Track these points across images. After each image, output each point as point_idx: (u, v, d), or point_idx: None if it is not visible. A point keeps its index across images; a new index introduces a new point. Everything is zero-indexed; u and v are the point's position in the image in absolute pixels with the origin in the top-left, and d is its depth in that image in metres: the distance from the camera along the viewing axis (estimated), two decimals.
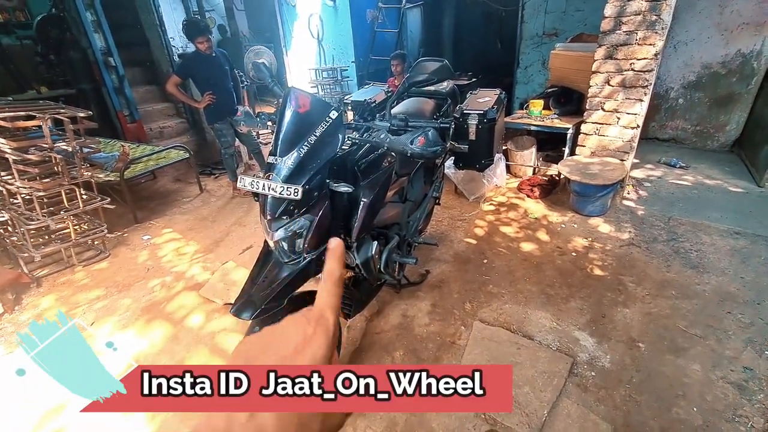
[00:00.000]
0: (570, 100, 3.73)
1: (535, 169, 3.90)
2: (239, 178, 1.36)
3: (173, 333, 2.29)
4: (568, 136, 3.49)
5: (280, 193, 1.26)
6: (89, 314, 2.46)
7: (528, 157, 3.83)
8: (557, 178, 3.59)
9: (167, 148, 4.14)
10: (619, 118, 3.04)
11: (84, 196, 2.81)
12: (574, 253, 2.80)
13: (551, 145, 4.09)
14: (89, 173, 2.79)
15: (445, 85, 2.59)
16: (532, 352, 2.01)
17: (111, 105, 5.36)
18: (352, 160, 1.60)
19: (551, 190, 3.57)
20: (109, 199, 2.94)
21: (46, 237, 2.93)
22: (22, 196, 2.55)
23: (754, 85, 3.98)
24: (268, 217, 1.35)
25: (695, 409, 1.68)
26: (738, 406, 1.67)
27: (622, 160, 3.12)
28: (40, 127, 2.44)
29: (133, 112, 5.57)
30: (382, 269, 1.74)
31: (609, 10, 2.81)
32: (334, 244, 0.42)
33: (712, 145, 4.37)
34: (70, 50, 5.11)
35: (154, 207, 4.00)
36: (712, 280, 2.43)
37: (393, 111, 2.15)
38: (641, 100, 2.90)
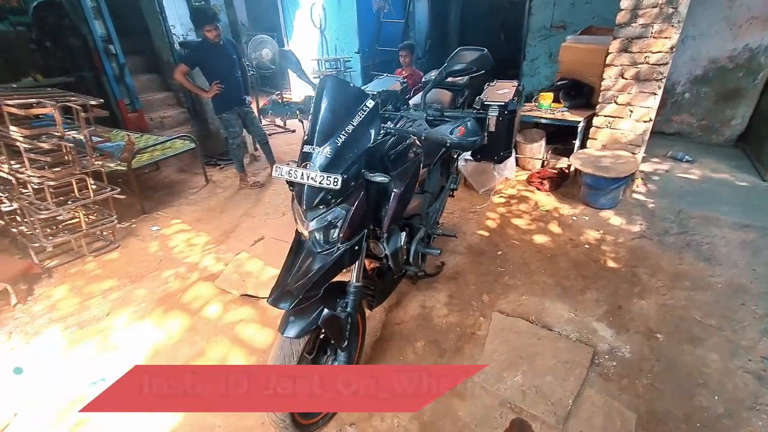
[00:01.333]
0: (580, 93, 3.73)
1: (544, 161, 3.91)
2: (275, 166, 1.34)
3: (191, 324, 2.28)
4: (579, 129, 3.50)
5: (319, 183, 1.25)
6: (104, 305, 2.43)
7: (537, 150, 3.84)
8: (567, 170, 3.60)
9: (172, 138, 4.08)
10: (632, 112, 3.05)
11: (93, 186, 2.77)
12: (587, 246, 2.82)
13: (559, 137, 4.10)
14: (100, 162, 2.74)
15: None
16: (552, 342, 2.03)
17: (111, 94, 5.27)
18: (382, 151, 1.58)
19: (561, 183, 3.59)
20: (119, 189, 2.90)
21: (55, 227, 2.89)
22: (33, 185, 2.50)
23: (761, 80, 4.01)
24: (304, 207, 1.34)
25: (716, 397, 1.71)
26: (759, 395, 1.71)
27: (634, 154, 3.14)
28: (48, 115, 2.39)
29: (134, 101, 5.48)
30: (410, 260, 1.74)
31: (625, 2, 2.81)
32: None
33: (717, 139, 4.41)
34: (69, 37, 4.99)
35: (160, 198, 3.96)
36: (725, 272, 2.47)
37: (412, 101, 2.14)
38: (655, 94, 2.91)
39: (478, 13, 6.23)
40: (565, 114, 3.62)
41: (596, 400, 1.73)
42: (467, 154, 2.70)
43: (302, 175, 1.27)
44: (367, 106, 1.37)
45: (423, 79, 2.61)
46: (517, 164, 3.99)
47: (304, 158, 1.33)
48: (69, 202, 2.77)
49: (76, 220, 2.81)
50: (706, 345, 1.98)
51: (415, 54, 4.51)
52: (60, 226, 2.87)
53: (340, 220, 1.37)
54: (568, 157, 3.72)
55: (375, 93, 1.78)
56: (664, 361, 1.91)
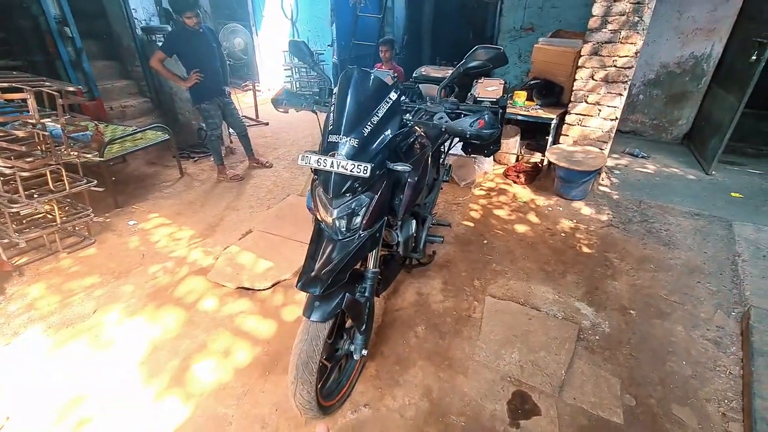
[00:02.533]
0: (551, 92, 3.99)
1: (518, 156, 4.14)
2: (302, 155, 1.37)
3: (188, 317, 2.23)
4: (552, 125, 3.75)
5: (350, 171, 1.30)
6: (88, 302, 2.31)
7: (513, 145, 4.06)
8: (540, 165, 3.85)
9: (144, 129, 3.89)
10: (600, 111, 3.32)
11: (68, 178, 2.61)
12: (563, 234, 3.05)
13: (531, 134, 4.35)
14: (76, 153, 2.58)
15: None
16: (542, 321, 2.21)
17: (67, 80, 4.89)
18: (395, 142, 1.65)
19: (535, 177, 3.82)
20: (96, 181, 2.74)
21: (23, 222, 2.68)
22: (4, 176, 2.31)
23: (704, 85, 4.48)
24: (331, 195, 1.38)
25: (684, 362, 1.95)
26: (717, 358, 1.97)
27: (602, 149, 3.42)
28: (23, 101, 2.23)
29: (92, 89, 5.11)
30: (418, 247, 1.82)
31: (597, 9, 3.04)
32: None
33: (667, 137, 4.88)
34: (19, 18, 4.57)
35: (132, 191, 3.76)
36: (682, 255, 2.78)
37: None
38: (621, 95, 3.19)
39: (450, 11, 6.41)
40: (539, 111, 3.85)
41: (585, 370, 1.91)
42: (456, 149, 2.82)
43: (332, 163, 1.32)
44: (390, 98, 1.43)
45: (414, 75, 2.69)
46: (494, 159, 4.19)
47: (331, 147, 1.37)
48: (36, 196, 2.58)
49: (47, 214, 2.63)
50: (671, 318, 2.24)
51: (395, 50, 4.58)
52: (29, 221, 2.67)
53: (363, 208, 1.43)
54: (541, 152, 3.97)
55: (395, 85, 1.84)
56: (638, 333, 2.14)
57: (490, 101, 2.38)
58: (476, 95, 2.43)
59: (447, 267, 2.68)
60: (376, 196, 1.43)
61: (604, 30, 3.08)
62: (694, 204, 3.39)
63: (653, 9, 3.00)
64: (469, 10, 6.57)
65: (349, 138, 1.35)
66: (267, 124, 5.97)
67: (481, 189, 3.75)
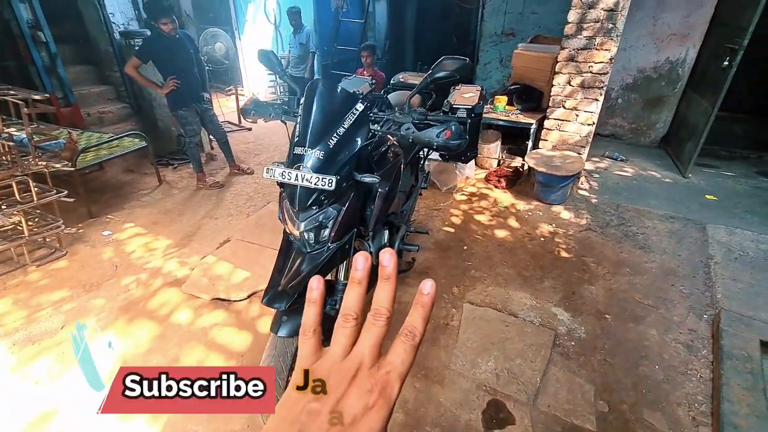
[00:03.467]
0: (531, 97, 4.03)
1: (499, 161, 4.17)
2: (267, 168, 1.35)
3: (160, 331, 2.18)
4: (532, 130, 3.78)
5: (315, 184, 1.28)
6: (57, 317, 2.25)
7: (494, 150, 4.08)
8: (521, 169, 3.88)
9: (121, 136, 3.81)
10: (577, 116, 3.36)
11: (36, 189, 2.53)
12: (542, 238, 3.07)
13: (512, 138, 4.39)
14: (43, 163, 2.51)
15: None
16: (518, 328, 2.21)
17: (41, 86, 4.77)
18: (366, 152, 1.64)
19: (516, 181, 3.85)
20: (66, 192, 2.67)
21: None
22: None
23: (679, 89, 4.58)
24: (297, 208, 1.36)
25: (657, 366, 1.98)
26: (688, 362, 2.00)
27: (580, 154, 3.46)
28: None
29: (68, 95, 5.00)
30: None
31: (572, 16, 3.08)
32: (428, 292, 0.34)
33: (645, 141, 4.96)
34: None
35: (108, 200, 3.68)
36: (657, 258, 2.82)
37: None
38: (597, 100, 3.24)
39: (433, 16, 6.44)
40: (519, 116, 3.89)
41: (560, 377, 1.92)
42: (435, 154, 2.83)
43: (297, 176, 1.30)
44: (357, 109, 1.42)
45: (392, 82, 2.68)
46: (476, 163, 4.21)
47: (297, 160, 1.35)
48: (3, 207, 2.50)
49: (13, 227, 2.55)
50: (646, 322, 2.26)
51: (377, 55, 4.58)
52: None
53: (330, 220, 1.41)
54: (522, 156, 4.00)
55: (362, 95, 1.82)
56: (613, 338, 2.16)
57: (466, 108, 2.39)
58: (452, 102, 2.43)
59: (426, 274, 2.67)
60: (344, 208, 1.41)
61: (579, 36, 3.12)
62: (670, 207, 3.45)
63: (626, 16, 3.06)
64: (453, 15, 6.61)
65: (314, 150, 1.34)
66: (250, 129, 5.91)
67: (462, 194, 3.76)
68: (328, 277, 1.55)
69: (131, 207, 3.58)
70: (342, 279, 1.55)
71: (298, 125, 1.41)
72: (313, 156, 1.33)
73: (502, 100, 4.04)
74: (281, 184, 1.41)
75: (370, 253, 1.73)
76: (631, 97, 4.87)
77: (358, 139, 1.42)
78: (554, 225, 3.24)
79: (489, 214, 3.42)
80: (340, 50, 5.79)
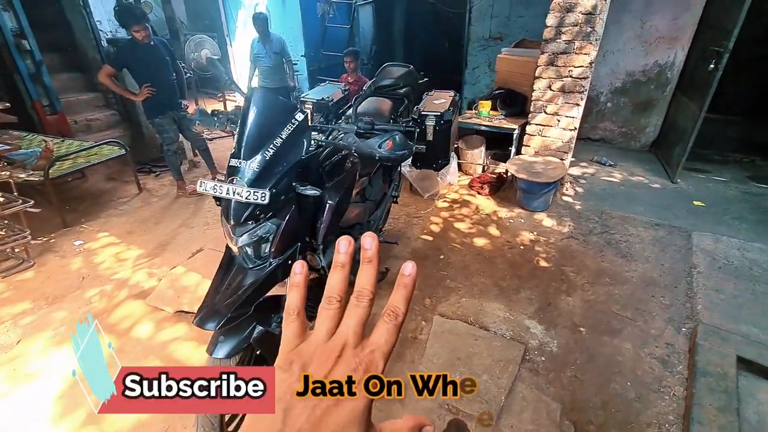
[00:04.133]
0: (515, 102, 3.96)
1: (484, 166, 4.10)
2: (199, 181, 1.29)
3: (118, 346, 2.12)
4: (515, 136, 3.71)
5: (246, 198, 1.22)
6: (13, 332, 2.19)
7: (478, 156, 4.02)
8: (505, 175, 3.80)
9: (99, 144, 3.78)
10: (559, 121, 3.29)
11: (1, 199, 2.49)
12: (522, 247, 2.99)
13: (498, 143, 4.31)
14: (7, 173, 2.47)
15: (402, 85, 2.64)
16: (488, 342, 2.13)
17: (27, 94, 4.76)
18: (317, 162, 1.58)
19: (499, 187, 3.78)
20: (32, 202, 2.63)
21: None
22: None
23: (669, 92, 4.50)
24: (232, 223, 1.30)
25: (629, 383, 1.89)
26: (662, 378, 1.91)
27: (562, 159, 3.39)
28: None
29: (54, 103, 4.99)
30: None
31: (551, 20, 3.02)
32: (409, 273, 0.35)
33: (635, 145, 4.88)
34: None
35: (86, 209, 3.64)
36: (639, 267, 2.73)
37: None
38: (578, 105, 3.17)
39: (423, 21, 6.40)
40: (502, 122, 3.82)
41: (526, 395, 1.84)
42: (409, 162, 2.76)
43: (228, 190, 1.24)
44: (296, 119, 1.36)
45: (375, 77, 2.63)
46: (460, 169, 4.14)
47: (231, 172, 1.30)
48: None
49: None
50: (621, 335, 2.18)
51: (360, 60, 4.54)
52: None
53: (270, 234, 1.35)
54: (506, 162, 3.92)
55: (314, 100, 1.76)
56: (586, 353, 2.08)
57: (435, 115, 2.33)
58: (421, 109, 2.37)
59: None
60: (283, 223, 1.35)
61: (558, 40, 3.05)
62: (656, 213, 3.36)
63: (612, 19, 2.99)
64: (443, 19, 6.56)
65: (249, 162, 1.28)
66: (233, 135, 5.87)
67: (444, 201, 3.69)
68: (274, 291, 1.49)
69: (108, 216, 3.54)
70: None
71: (235, 136, 1.35)
72: (247, 168, 1.27)
73: (486, 105, 3.98)
74: (217, 198, 1.35)
75: (321, 267, 1.67)
76: (621, 100, 4.79)
77: (298, 150, 1.36)
78: (535, 233, 3.16)
79: (470, 222, 3.34)
80: (327, 56, 5.75)
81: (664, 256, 2.85)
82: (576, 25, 2.94)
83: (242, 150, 1.29)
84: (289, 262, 1.42)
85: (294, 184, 1.37)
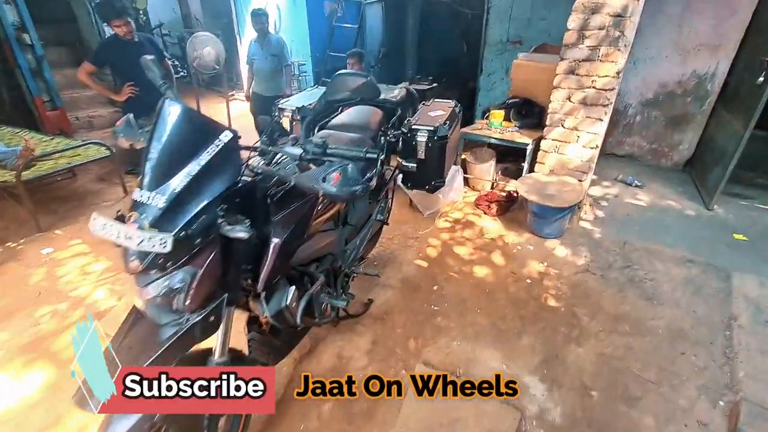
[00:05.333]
0: (531, 113, 3.58)
1: (493, 183, 3.73)
2: (93, 216, 1.01)
3: (56, 379, 1.88)
4: (528, 151, 3.33)
5: (139, 245, 0.93)
6: None
7: (487, 171, 3.65)
8: (515, 194, 3.42)
9: (85, 144, 3.60)
10: (579, 137, 2.90)
11: None
12: (528, 280, 2.62)
13: (512, 157, 3.93)
14: None
15: (396, 93, 2.32)
16: (476, 404, 1.78)
17: (27, 89, 4.68)
18: (263, 189, 1.28)
19: (509, 207, 3.40)
20: None
21: None
22: None
23: (708, 107, 4.01)
24: (129, 272, 1.01)
25: None
26: None
27: (581, 180, 2.99)
28: None
29: (54, 98, 4.91)
30: (299, 320, 1.42)
31: (572, 22, 2.64)
32: None
33: (666, 163, 4.40)
34: None
35: (66, 212, 3.46)
36: (666, 314, 2.32)
37: (333, 122, 1.84)
38: (602, 119, 2.77)
39: (439, 22, 6.05)
40: (515, 134, 3.45)
41: None
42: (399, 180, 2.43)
43: (119, 233, 0.95)
44: (221, 140, 1.06)
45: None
46: (466, 184, 3.79)
47: (134, 207, 1.01)
48: None
49: None
50: (641, 405, 1.79)
51: (366, 62, 4.24)
52: None
53: (185, 284, 1.05)
54: (517, 180, 3.54)
55: (293, 108, 1.46)
56: (596, 426, 1.71)
57: (427, 130, 2.00)
58: (413, 122, 2.04)
59: (382, 320, 2.28)
60: (200, 271, 1.05)
61: (581, 46, 2.67)
62: (688, 247, 2.92)
63: (644, 23, 2.59)
64: (462, 21, 6.19)
65: (154, 194, 0.98)
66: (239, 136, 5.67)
67: (446, 220, 3.34)
68: (203, 344, 1.19)
69: (86, 220, 3.33)
70: (216, 357, 1.19)
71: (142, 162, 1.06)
72: (151, 203, 0.98)
73: (498, 115, 3.61)
74: None
75: (266, 317, 1.36)
76: (652, 114, 4.32)
77: (223, 179, 1.06)
78: (546, 264, 2.77)
79: (472, 246, 2.99)
80: (334, 57, 5.48)
81: (698, 301, 2.42)
82: (602, 29, 2.56)
83: (147, 178, 1.00)
84: (212, 318, 1.12)
85: (220, 221, 1.07)
